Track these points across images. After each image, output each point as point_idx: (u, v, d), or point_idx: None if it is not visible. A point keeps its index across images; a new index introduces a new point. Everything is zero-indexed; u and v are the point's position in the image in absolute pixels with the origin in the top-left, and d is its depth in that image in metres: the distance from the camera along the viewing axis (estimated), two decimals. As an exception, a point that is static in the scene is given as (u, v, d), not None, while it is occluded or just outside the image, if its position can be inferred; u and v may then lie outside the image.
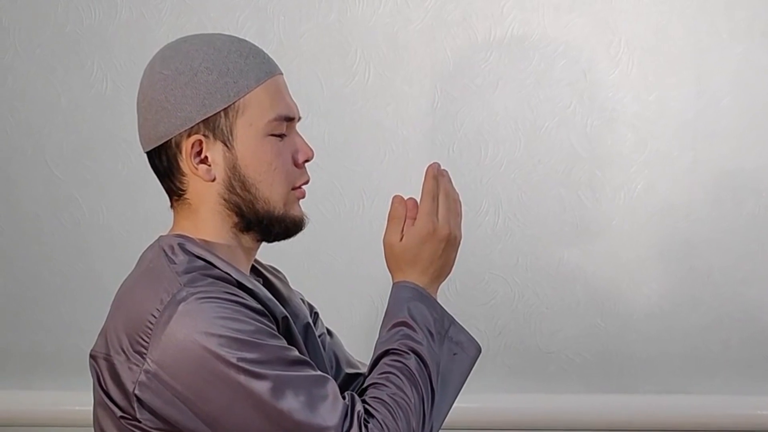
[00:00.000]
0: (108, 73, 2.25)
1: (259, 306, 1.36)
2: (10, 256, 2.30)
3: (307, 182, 1.48)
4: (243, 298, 1.35)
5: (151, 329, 1.31)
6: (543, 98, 2.21)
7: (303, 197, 1.47)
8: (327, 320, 2.14)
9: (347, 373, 1.55)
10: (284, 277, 1.61)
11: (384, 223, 1.34)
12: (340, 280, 2.24)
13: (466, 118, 2.21)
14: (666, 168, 2.20)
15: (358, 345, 1.72)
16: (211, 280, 1.35)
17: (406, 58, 2.21)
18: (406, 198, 1.46)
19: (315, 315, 1.62)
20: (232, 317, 1.31)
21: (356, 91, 2.22)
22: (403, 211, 1.44)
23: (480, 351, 1.45)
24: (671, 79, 2.19)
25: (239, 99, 1.41)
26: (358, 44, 2.21)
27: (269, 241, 1.48)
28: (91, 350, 1.40)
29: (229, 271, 1.39)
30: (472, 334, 1.47)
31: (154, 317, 1.32)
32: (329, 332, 1.62)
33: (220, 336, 1.29)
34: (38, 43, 2.27)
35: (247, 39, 1.48)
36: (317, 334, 1.57)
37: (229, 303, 1.32)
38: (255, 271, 1.54)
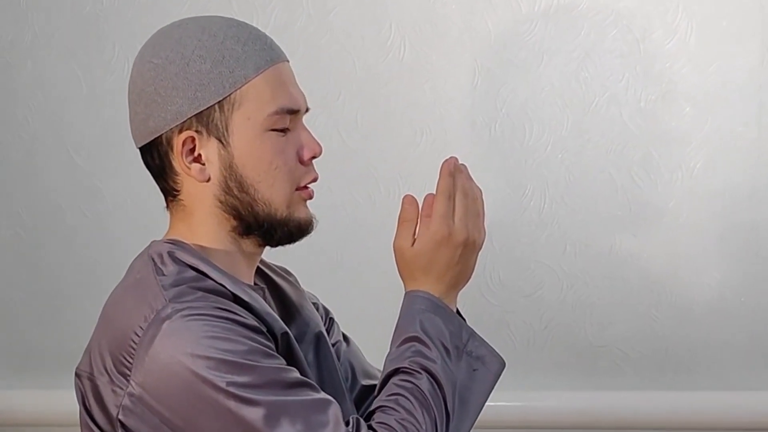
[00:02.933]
0: (129, 55, 2.16)
1: (254, 322, 1.25)
2: (33, 249, 2.22)
3: (314, 180, 1.35)
4: (236, 313, 1.24)
5: (134, 349, 1.21)
6: (592, 72, 2.10)
7: (310, 198, 1.35)
8: (361, 313, 2.04)
9: (363, 385, 1.44)
10: (295, 280, 1.49)
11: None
12: (377, 269, 2.13)
13: (508, 95, 2.12)
14: (728, 145, 2.10)
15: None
16: (201, 293, 1.23)
17: (444, 32, 2.12)
18: (423, 196, 1.32)
19: (330, 321, 1.50)
20: (222, 336, 1.20)
21: (390, 69, 2.13)
22: (414, 213, 1.31)
23: (504, 365, 1.32)
24: (734, 48, 2.09)
25: (235, 90, 1.29)
26: (392, 18, 2.12)
27: (272, 245, 1.36)
28: (77, 367, 1.29)
29: (223, 282, 1.27)
30: (494, 348, 1.33)
31: (138, 336, 1.22)
32: (346, 339, 1.51)
33: (208, 358, 1.19)
34: (57, 26, 2.19)
35: (251, 23, 1.36)
36: (332, 342, 1.47)
37: (219, 320, 1.21)
38: (261, 274, 1.43)
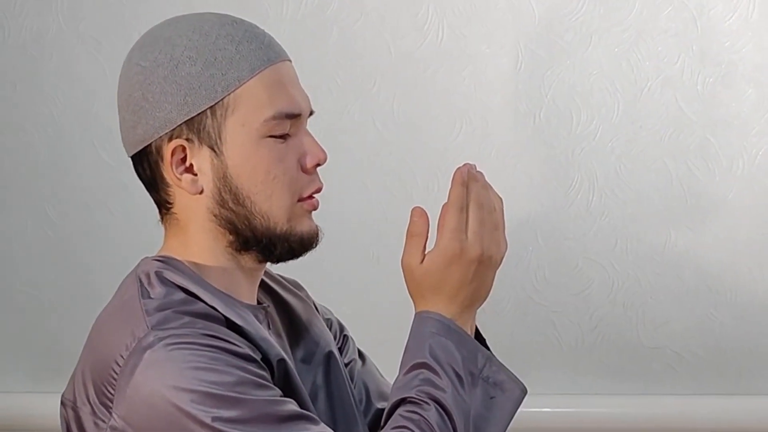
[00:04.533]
0: (155, 44, 2.06)
1: (245, 350, 1.16)
2: (61, 248, 2.16)
3: (318, 191, 1.25)
4: (226, 340, 1.15)
5: (115, 379, 1.14)
6: (645, 53, 2.03)
7: (314, 209, 1.25)
8: (398, 312, 1.94)
9: (379, 408, 1.35)
10: (306, 295, 1.40)
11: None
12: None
13: (554, 80, 2.04)
14: (793, 130, 2.04)
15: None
16: (188, 318, 1.15)
17: (485, 14, 2.04)
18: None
19: (344, 339, 1.41)
20: (208, 366, 1.12)
21: (428, 54, 2.05)
22: (423, 226, 1.20)
23: (525, 392, 1.22)
24: (800, 25, 2.02)
25: (228, 94, 1.20)
26: (429, 0, 2.05)
27: (273, 261, 1.27)
28: (62, 395, 1.22)
29: (215, 305, 1.18)
30: (515, 374, 1.22)
31: (119, 366, 1.14)
32: (362, 356, 1.42)
33: (192, 390, 1.11)
34: (82, 16, 2.12)
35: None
36: (346, 361, 1.38)
37: (206, 348, 1.13)
38: (266, 289, 1.34)
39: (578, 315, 2.05)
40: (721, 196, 2.03)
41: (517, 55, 2.03)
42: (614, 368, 2.06)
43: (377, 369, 1.42)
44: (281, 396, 1.15)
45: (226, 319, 1.18)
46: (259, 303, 1.29)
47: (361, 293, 2.09)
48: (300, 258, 1.26)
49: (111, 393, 1.14)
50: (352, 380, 1.37)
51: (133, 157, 1.25)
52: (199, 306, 1.17)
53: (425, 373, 1.17)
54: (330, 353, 1.32)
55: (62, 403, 1.22)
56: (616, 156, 2.03)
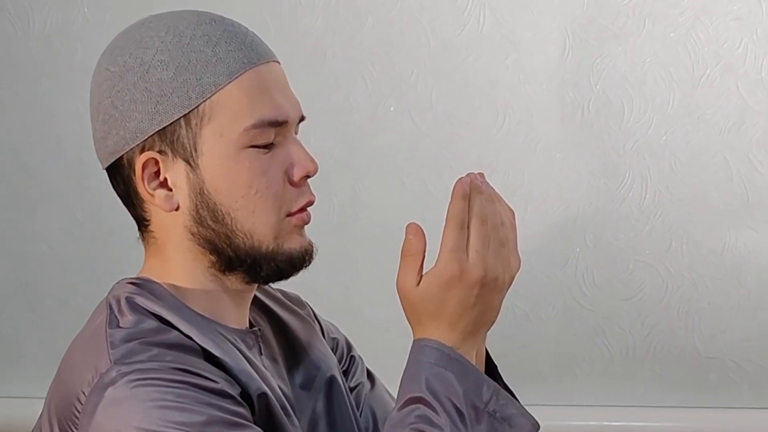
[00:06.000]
0: (182, 35, 1.99)
1: (219, 385, 1.06)
2: (89, 250, 2.10)
3: (309, 204, 1.15)
4: (198, 374, 1.06)
5: (77, 418, 1.06)
6: (704, 38, 1.95)
7: (304, 223, 1.15)
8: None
9: (387, 437, 1.23)
10: (308, 313, 1.30)
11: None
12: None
13: (604, 68, 1.96)
14: None
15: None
16: (157, 350, 1.05)
17: None
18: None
19: (350, 360, 1.31)
20: (175, 405, 1.03)
21: (469, 41, 1.97)
22: (419, 245, 1.09)
23: (537, 428, 1.09)
24: None
25: (204, 101, 1.10)
26: (471, -17, 1.99)
27: (260, 283, 1.17)
28: (33, 428, 1.13)
29: (191, 334, 1.09)
30: (526, 408, 1.10)
31: (81, 403, 1.06)
32: (371, 378, 1.32)
33: None
34: (107, 8, 2.07)
35: (231, 17, 1.15)
36: (353, 384, 1.29)
37: (174, 385, 1.03)
38: (262, 308, 1.24)
39: (629, 322, 1.98)
40: (787, 193, 1.94)
41: (565, 41, 1.95)
42: (668, 379, 1.98)
43: (388, 392, 1.31)
44: None
45: (203, 349, 1.09)
46: (251, 325, 1.19)
47: (395, 298, 2.02)
48: (290, 278, 1.16)
49: None
50: (358, 406, 1.28)
51: (107, 170, 1.16)
52: (172, 335, 1.08)
53: (421, 409, 1.06)
54: (332, 378, 1.23)
55: (32, 438, 1.14)
56: (671, 150, 1.95)
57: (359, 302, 1.99)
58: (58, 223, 2.09)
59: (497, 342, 1.98)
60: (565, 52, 1.94)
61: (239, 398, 1.07)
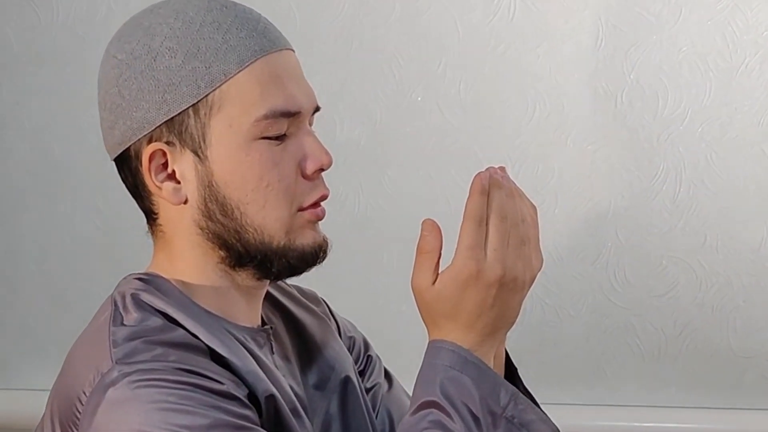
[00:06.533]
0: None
1: (224, 386, 1.03)
2: (112, 243, 2.08)
3: (323, 198, 1.11)
4: (203, 374, 1.02)
5: (78, 419, 1.03)
6: (742, 26, 1.89)
7: (318, 219, 1.12)
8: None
9: (404, 439, 1.19)
10: (324, 311, 1.26)
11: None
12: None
13: (638, 57, 1.90)
14: None
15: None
16: (160, 349, 1.02)
17: None
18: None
19: (367, 359, 1.27)
20: (178, 407, 0.99)
21: (499, 30, 1.93)
22: (435, 242, 1.06)
23: None
24: None
25: (213, 90, 1.07)
26: (501, -30, 1.95)
27: (271, 279, 1.13)
28: (36, 428, 1.10)
29: (197, 332, 1.06)
30: (545, 412, 1.05)
31: (81, 404, 1.03)
32: (389, 379, 1.28)
33: None
34: None
35: (250, 5, 1.11)
36: (369, 385, 1.25)
37: (178, 386, 1.00)
38: (276, 305, 1.21)
39: (661, 319, 1.93)
40: (828, 187, 1.89)
41: (598, 30, 1.91)
42: (701, 379, 1.94)
43: (407, 394, 1.27)
44: None
45: (210, 348, 1.05)
46: (263, 323, 1.15)
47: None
48: (303, 274, 1.12)
49: None
50: (374, 407, 1.24)
51: (115, 161, 1.13)
52: (178, 334, 1.04)
53: (435, 414, 1.02)
54: (347, 378, 1.20)
55: (34, 440, 1.11)
56: (706, 142, 1.90)
57: (385, 299, 1.95)
58: (82, 214, 2.08)
59: (524, 340, 1.96)
60: (597, 40, 1.89)
61: (246, 400, 1.03)
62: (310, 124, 1.12)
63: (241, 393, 1.03)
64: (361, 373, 1.25)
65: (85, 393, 1.01)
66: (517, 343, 2.01)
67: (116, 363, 1.01)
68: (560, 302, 1.91)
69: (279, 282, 1.21)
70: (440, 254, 1.05)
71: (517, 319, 1.89)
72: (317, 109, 1.12)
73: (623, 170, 1.90)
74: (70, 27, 2.04)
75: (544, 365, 1.91)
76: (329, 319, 1.26)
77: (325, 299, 1.29)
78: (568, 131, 1.90)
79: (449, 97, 1.93)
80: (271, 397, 1.05)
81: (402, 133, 1.93)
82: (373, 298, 1.96)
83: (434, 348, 1.05)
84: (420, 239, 1.06)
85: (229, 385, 1.02)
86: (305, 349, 1.19)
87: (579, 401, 1.90)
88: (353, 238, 1.96)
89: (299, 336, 1.20)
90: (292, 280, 1.19)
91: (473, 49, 1.93)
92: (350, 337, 1.27)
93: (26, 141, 2.08)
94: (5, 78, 2.08)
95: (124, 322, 1.05)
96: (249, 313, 1.13)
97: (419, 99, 1.92)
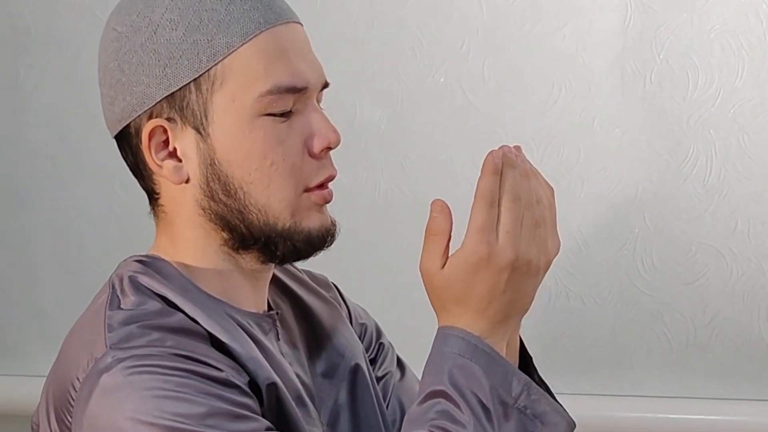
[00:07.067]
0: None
1: (223, 374, 0.99)
2: (129, 226, 2.06)
3: (330, 179, 1.07)
4: (201, 361, 0.99)
5: (72, 406, 0.99)
6: None
7: (325, 201, 1.07)
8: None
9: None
10: (334, 296, 1.22)
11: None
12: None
13: (668, 37, 1.87)
14: None
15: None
16: (157, 335, 0.98)
17: None
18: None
19: (379, 347, 1.23)
20: (174, 395, 0.95)
21: (523, 8, 1.90)
22: (444, 223, 1.01)
23: (573, 427, 1.00)
24: None
25: (216, 64, 1.03)
26: (525, -53, 1.91)
27: (275, 263, 1.09)
28: (31, 418, 1.07)
29: (197, 317, 1.02)
30: (561, 404, 1.00)
31: (75, 390, 0.99)
32: (401, 367, 1.24)
33: (152, 425, 0.95)
34: None
35: None
36: (380, 374, 1.21)
37: (174, 372, 0.96)
38: (282, 288, 1.17)
39: (691, 308, 1.89)
40: None
41: (626, 8, 1.87)
42: (731, 369, 1.90)
43: (419, 382, 1.23)
44: (267, 429, 0.98)
45: (210, 334, 1.01)
46: (270, 308, 1.11)
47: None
48: (310, 258, 1.08)
49: (69, 422, 0.99)
50: (385, 397, 1.20)
51: (116, 139, 1.09)
52: (176, 318, 1.00)
53: (442, 404, 0.98)
54: (356, 366, 1.15)
55: (31, 428, 1.07)
56: (738, 125, 1.85)
57: (406, 286, 1.91)
58: (99, 198, 2.05)
59: (548, 328, 1.91)
60: (626, 19, 1.85)
61: (246, 388, 0.99)
62: (319, 102, 1.08)
63: (241, 380, 0.99)
64: (373, 361, 1.21)
65: (78, 379, 0.98)
66: (540, 331, 1.98)
67: (110, 348, 0.97)
68: (585, 289, 1.87)
69: (289, 266, 1.17)
70: (450, 236, 1.01)
71: (541, 307, 1.87)
72: (326, 85, 1.08)
73: (652, 153, 1.86)
74: (88, 9, 2.01)
75: (568, 354, 1.87)
76: (340, 305, 1.21)
77: (336, 284, 1.25)
78: (594, 113, 1.86)
79: (473, 78, 1.90)
80: (272, 385, 1.01)
81: (424, 115, 1.89)
82: (394, 286, 1.92)
83: (443, 335, 1.00)
84: (429, 220, 1.01)
85: (228, 372, 0.99)
86: (314, 335, 1.15)
87: (604, 392, 1.86)
88: (373, 225, 1.93)
89: (308, 322, 1.16)
90: (304, 265, 1.15)
91: (497, 28, 1.89)
92: (362, 324, 1.23)
93: (44, 125, 2.06)
94: (23, 62, 2.07)
95: (121, 306, 1.01)
96: (254, 297, 1.09)
97: (442, 80, 1.89)
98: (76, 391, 0.98)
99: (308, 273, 1.22)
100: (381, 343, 1.23)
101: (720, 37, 1.84)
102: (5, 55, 2.07)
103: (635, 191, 1.86)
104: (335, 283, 1.25)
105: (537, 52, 1.88)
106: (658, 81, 1.85)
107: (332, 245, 1.08)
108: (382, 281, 1.91)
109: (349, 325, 1.20)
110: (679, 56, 1.85)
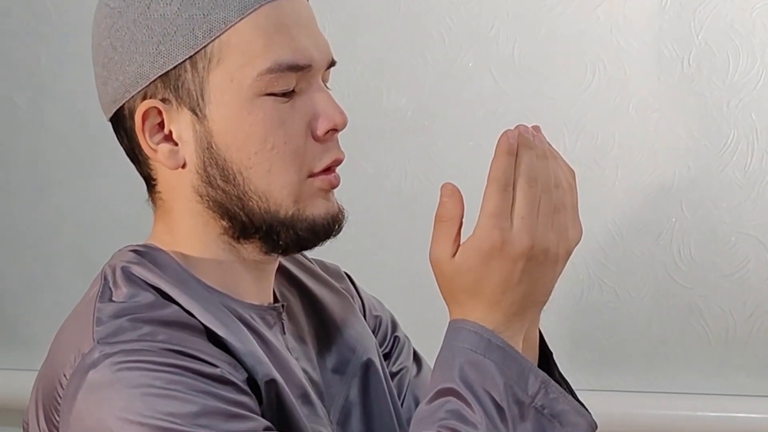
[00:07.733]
0: None
1: (218, 370, 0.93)
2: (151, 221, 1.99)
3: (337, 162, 1.00)
4: (194, 356, 0.93)
5: (59, 403, 0.94)
6: None
7: (332, 187, 1.01)
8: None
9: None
10: (346, 287, 1.16)
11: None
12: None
13: (707, 16, 1.79)
14: None
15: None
16: (148, 328, 0.93)
17: None
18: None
19: (394, 340, 1.16)
20: (165, 392, 0.90)
21: None
22: (455, 209, 0.94)
23: (594, 428, 0.93)
24: None
25: (212, 41, 0.97)
26: (556, -75, 1.84)
27: (278, 253, 1.02)
28: (23, 418, 1.01)
29: (192, 309, 0.96)
30: (583, 403, 0.93)
31: (62, 387, 0.94)
32: (418, 362, 1.18)
33: (141, 424, 0.89)
34: None
35: None
36: (395, 369, 1.15)
37: (165, 368, 0.90)
38: (290, 279, 1.11)
39: (730, 301, 1.82)
40: None
41: None
42: None
43: (433, 378, 1.17)
44: (266, 428, 0.92)
45: (206, 328, 0.95)
46: (276, 300, 1.05)
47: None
48: (316, 248, 1.01)
49: (56, 420, 0.94)
50: (400, 394, 1.14)
51: (111, 121, 1.04)
52: (170, 311, 0.95)
53: (453, 403, 0.91)
54: (369, 362, 1.09)
55: (23, 427, 1.02)
56: None
57: (432, 277, 1.85)
58: (120, 188, 2.01)
59: (581, 322, 1.84)
60: (662, -1, 1.80)
61: (243, 385, 0.93)
62: (325, 81, 1.02)
63: (238, 377, 0.93)
64: (387, 356, 1.15)
65: (65, 376, 0.92)
66: (573, 325, 1.91)
67: (98, 343, 0.91)
68: (620, 282, 1.80)
69: (298, 255, 1.11)
70: (461, 222, 0.94)
71: (573, 300, 1.79)
72: (332, 63, 1.01)
73: (690, 139, 1.79)
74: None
75: (602, 349, 1.80)
76: (353, 297, 1.15)
77: (350, 274, 1.19)
78: (629, 98, 1.79)
79: (502, 62, 1.83)
80: (272, 382, 0.95)
81: (452, 101, 1.83)
82: (419, 277, 1.85)
83: (454, 328, 0.94)
84: (439, 206, 0.95)
85: (224, 368, 0.93)
86: (323, 329, 1.09)
87: (639, 388, 1.79)
88: (400, 215, 1.87)
89: (317, 315, 1.10)
90: (316, 254, 1.09)
91: (528, 9, 1.83)
92: (376, 316, 1.17)
93: (64, 112, 2.03)
94: (44, 47, 2.04)
95: (113, 298, 0.96)
96: (257, 289, 1.03)
97: (470, 64, 1.83)
98: (63, 389, 0.92)
99: (319, 263, 1.16)
100: (396, 337, 1.17)
101: (762, 16, 1.76)
102: (26, 41, 2.04)
103: (672, 179, 1.78)
104: (349, 273, 1.19)
105: (569, 34, 1.81)
106: (696, 63, 1.78)
107: (339, 234, 1.02)
108: (408, 272, 1.86)
109: (362, 317, 1.14)
110: (718, 37, 1.78)
